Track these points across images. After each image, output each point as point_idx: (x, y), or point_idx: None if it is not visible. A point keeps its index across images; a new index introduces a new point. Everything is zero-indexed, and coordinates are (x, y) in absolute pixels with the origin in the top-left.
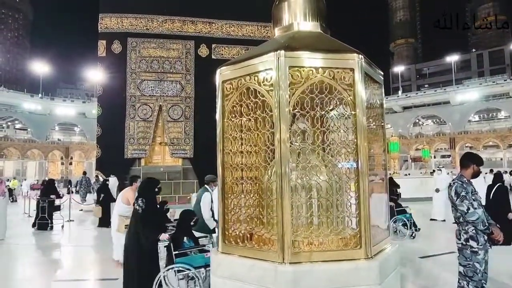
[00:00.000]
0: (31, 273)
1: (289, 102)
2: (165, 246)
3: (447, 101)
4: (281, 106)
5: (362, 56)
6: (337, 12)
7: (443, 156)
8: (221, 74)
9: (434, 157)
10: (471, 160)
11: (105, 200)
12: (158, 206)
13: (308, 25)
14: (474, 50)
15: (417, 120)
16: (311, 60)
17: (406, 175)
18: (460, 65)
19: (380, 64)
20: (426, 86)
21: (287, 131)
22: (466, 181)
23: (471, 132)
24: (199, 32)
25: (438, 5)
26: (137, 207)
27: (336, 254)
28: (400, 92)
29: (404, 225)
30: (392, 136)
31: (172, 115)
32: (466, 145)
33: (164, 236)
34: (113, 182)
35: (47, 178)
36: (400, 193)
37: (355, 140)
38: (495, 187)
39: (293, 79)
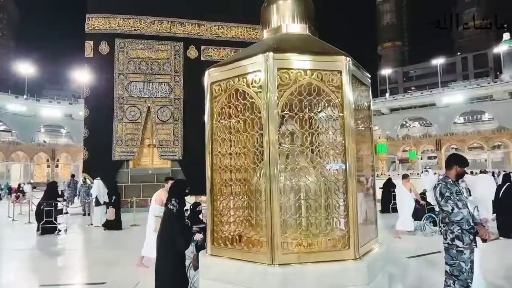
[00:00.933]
0: (16, 278)
1: (278, 103)
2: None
3: (433, 103)
4: (269, 107)
5: (350, 59)
6: (326, 15)
7: (429, 157)
8: (210, 76)
9: (421, 158)
10: (454, 161)
11: (116, 202)
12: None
13: (296, 27)
14: (459, 53)
15: (404, 122)
16: (299, 62)
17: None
18: (445, 68)
19: (367, 66)
20: (412, 88)
21: (276, 133)
22: (451, 182)
23: (457, 133)
24: (188, 33)
25: (425, 9)
26: (172, 207)
27: (324, 255)
28: (387, 94)
29: (433, 222)
30: (379, 137)
31: (160, 116)
32: (452, 146)
33: (199, 237)
34: (97, 184)
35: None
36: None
37: (343, 142)
38: (504, 187)
39: (281, 81)
